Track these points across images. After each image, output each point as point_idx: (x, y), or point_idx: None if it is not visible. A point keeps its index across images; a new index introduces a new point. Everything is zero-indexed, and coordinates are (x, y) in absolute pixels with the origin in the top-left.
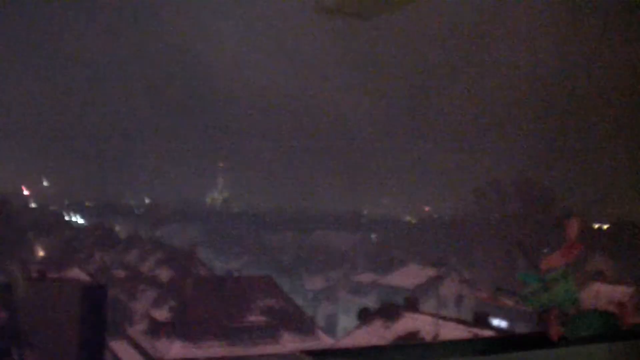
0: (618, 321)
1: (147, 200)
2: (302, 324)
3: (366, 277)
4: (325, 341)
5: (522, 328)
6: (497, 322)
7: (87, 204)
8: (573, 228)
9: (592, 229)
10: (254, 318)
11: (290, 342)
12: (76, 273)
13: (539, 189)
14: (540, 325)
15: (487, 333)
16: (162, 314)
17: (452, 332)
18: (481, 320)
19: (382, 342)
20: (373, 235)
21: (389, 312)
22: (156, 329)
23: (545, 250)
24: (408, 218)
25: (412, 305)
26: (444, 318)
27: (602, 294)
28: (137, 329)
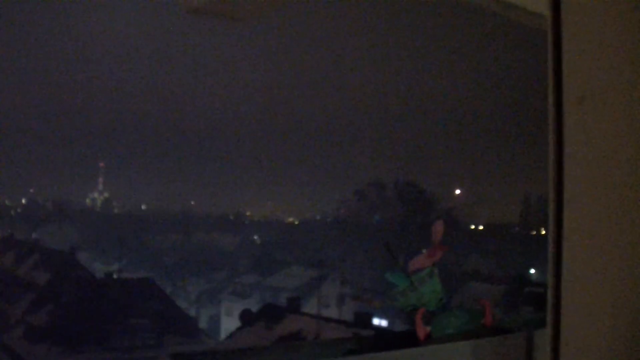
0: (482, 319)
1: (23, 201)
2: (183, 326)
3: (249, 279)
4: (208, 343)
5: (399, 326)
6: (376, 322)
7: None
8: (438, 230)
9: (469, 229)
10: (135, 321)
11: (172, 345)
12: None
13: (418, 191)
14: (409, 324)
15: (367, 332)
16: (39, 319)
17: (333, 332)
18: (361, 320)
19: (263, 343)
20: (256, 237)
21: (271, 313)
22: (33, 334)
23: (423, 251)
24: (290, 219)
25: (294, 306)
26: (325, 318)
27: (473, 293)
28: (12, 335)
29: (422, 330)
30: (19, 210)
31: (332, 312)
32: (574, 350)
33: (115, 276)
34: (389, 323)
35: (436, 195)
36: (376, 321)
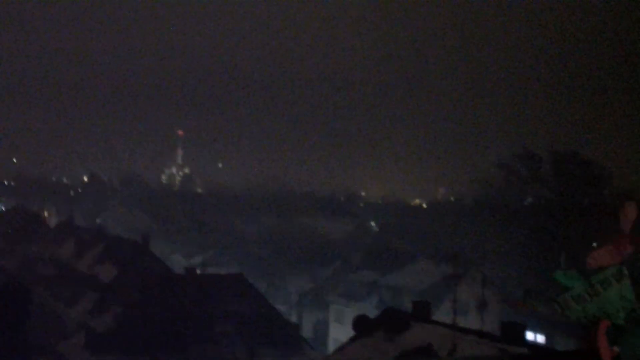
0: None
1: (85, 178)
2: (282, 335)
3: (364, 276)
4: (311, 356)
5: (562, 344)
6: (531, 336)
7: (5, 181)
8: (630, 215)
9: None
10: (222, 328)
11: (267, 358)
12: None
13: (582, 163)
14: (586, 342)
15: (518, 349)
16: (104, 324)
17: (473, 346)
18: (510, 332)
19: (383, 358)
20: (372, 223)
21: (392, 320)
22: (95, 342)
23: (594, 244)
24: (416, 201)
25: (421, 311)
26: (463, 329)
27: None
28: (70, 343)
29: (606, 352)
30: (79, 189)
31: (471, 321)
32: None
33: (197, 271)
34: (548, 338)
35: (608, 169)
36: (530, 335)
